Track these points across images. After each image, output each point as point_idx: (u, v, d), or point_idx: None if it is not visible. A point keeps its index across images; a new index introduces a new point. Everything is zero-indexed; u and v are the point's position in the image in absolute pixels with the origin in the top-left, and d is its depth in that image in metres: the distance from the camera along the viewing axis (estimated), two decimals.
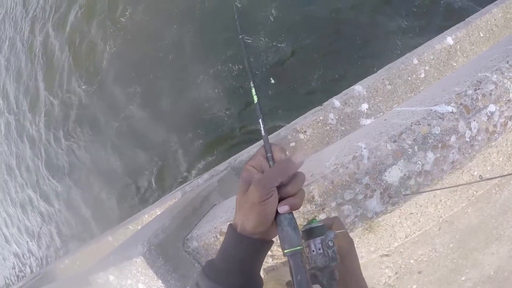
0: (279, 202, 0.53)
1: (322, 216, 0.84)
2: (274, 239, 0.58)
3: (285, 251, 0.53)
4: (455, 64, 1.39)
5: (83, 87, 4.71)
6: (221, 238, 0.89)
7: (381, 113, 1.39)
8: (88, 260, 2.51)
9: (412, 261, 1.76)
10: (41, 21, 5.88)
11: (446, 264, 1.56)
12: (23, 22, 6.52)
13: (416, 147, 0.82)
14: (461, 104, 0.81)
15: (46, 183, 5.81)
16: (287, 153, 0.61)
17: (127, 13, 4.13)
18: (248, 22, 3.04)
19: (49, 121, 5.48)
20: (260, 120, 0.60)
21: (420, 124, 0.82)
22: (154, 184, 3.80)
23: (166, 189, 3.57)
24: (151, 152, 3.81)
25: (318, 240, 0.63)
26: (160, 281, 0.85)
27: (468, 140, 0.84)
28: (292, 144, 1.47)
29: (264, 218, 0.52)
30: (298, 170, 0.55)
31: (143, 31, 3.96)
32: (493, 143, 0.91)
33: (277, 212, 0.53)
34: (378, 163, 0.84)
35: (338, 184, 0.83)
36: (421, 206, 1.31)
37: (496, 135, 0.88)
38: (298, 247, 0.52)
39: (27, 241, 6.87)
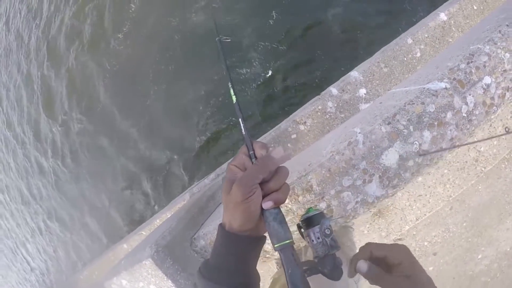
0: (263, 198, 0.53)
1: (322, 205, 0.85)
2: (266, 234, 0.58)
3: (275, 246, 0.53)
4: (450, 40, 1.37)
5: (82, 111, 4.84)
6: None
7: (380, 97, 1.38)
8: (105, 269, 2.59)
9: (426, 243, 1.74)
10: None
11: (461, 244, 1.54)
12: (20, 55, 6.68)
13: (411, 127, 0.82)
14: (454, 79, 0.80)
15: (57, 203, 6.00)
16: (269, 149, 0.61)
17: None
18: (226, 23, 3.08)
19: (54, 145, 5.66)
20: (240, 119, 0.61)
21: (413, 103, 0.81)
22: (161, 193, 3.90)
23: (174, 194, 3.66)
24: (157, 162, 3.88)
25: (316, 229, 0.63)
26: (170, 281, 0.87)
27: (465, 115, 0.83)
28: (294, 136, 1.48)
29: (249, 215, 0.53)
30: (282, 165, 0.55)
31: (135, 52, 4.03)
32: (492, 116, 0.89)
33: (263, 208, 0.54)
34: (373, 147, 0.84)
35: (336, 172, 0.83)
36: (429, 187, 1.30)
37: (494, 107, 0.87)
38: (287, 241, 0.52)
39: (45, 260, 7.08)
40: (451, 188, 1.25)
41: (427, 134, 0.85)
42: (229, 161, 0.59)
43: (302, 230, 0.67)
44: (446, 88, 0.81)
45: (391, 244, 0.57)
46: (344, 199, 0.85)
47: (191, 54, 3.48)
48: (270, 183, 0.54)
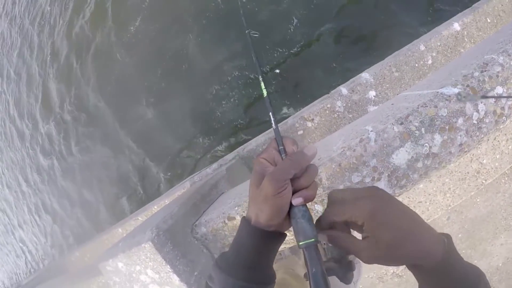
0: (292, 194, 0.54)
1: None
2: (286, 232, 0.58)
3: (300, 243, 0.53)
4: (462, 50, 1.39)
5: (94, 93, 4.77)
6: (229, 223, 0.91)
7: (390, 99, 1.40)
8: (98, 252, 2.55)
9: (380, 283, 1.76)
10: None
11: None
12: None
13: (423, 129, 0.82)
14: (467, 86, 0.80)
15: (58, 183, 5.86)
16: (298, 145, 0.60)
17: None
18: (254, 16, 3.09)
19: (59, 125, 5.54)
20: (270, 113, 0.61)
21: (427, 106, 0.81)
22: (162, 178, 3.86)
23: (174, 182, 3.63)
24: (160, 148, 3.87)
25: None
26: (168, 266, 0.86)
27: (476, 122, 0.84)
28: (300, 132, 1.48)
29: (278, 210, 0.53)
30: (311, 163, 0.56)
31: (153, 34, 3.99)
32: (501, 126, 0.90)
33: (291, 204, 0.54)
34: (385, 145, 0.84)
35: (346, 167, 0.84)
36: (429, 194, 1.32)
37: (504, 117, 0.88)
38: (312, 239, 0.52)
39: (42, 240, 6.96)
40: (450, 197, 1.27)
41: (437, 138, 0.85)
42: (259, 154, 0.58)
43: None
44: (459, 94, 0.82)
45: (355, 197, 0.52)
46: None
47: (214, 39, 3.47)
48: (301, 179, 0.54)
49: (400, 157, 0.86)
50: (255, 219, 0.55)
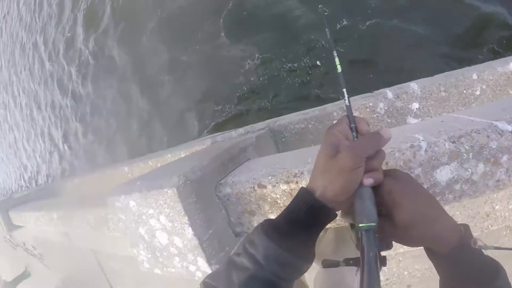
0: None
1: None
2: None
3: (361, 225, 0.51)
4: (510, 92, 1.42)
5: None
6: (258, 191, 0.88)
7: (429, 117, 1.41)
8: (98, 185, 2.46)
9: (406, 273, 1.79)
10: None
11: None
12: None
13: (471, 154, 0.81)
14: None
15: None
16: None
17: None
18: None
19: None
20: (344, 90, 0.61)
21: (480, 133, 0.79)
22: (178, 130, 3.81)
23: (192, 136, 3.61)
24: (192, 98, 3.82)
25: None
26: (186, 217, 0.82)
27: None
28: (335, 121, 1.45)
29: (349, 186, 0.52)
30: None
31: None
32: None
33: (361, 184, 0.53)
34: (433, 158, 0.83)
35: (392, 167, 0.83)
36: None
37: None
38: (374, 223, 0.51)
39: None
40: None
41: (481, 167, 0.84)
42: (331, 127, 0.58)
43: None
44: (511, 132, 0.82)
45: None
46: None
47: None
48: (373, 161, 0.54)
49: (443, 174, 0.85)
50: (322, 191, 0.53)
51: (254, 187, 0.88)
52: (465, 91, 1.39)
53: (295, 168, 0.87)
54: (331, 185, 0.52)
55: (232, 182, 0.92)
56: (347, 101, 0.62)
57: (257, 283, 0.48)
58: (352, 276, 1.06)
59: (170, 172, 0.91)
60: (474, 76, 1.38)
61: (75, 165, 5.92)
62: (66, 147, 6.23)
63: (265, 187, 0.87)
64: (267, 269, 0.48)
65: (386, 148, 0.86)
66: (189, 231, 0.84)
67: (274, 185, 0.86)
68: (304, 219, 0.52)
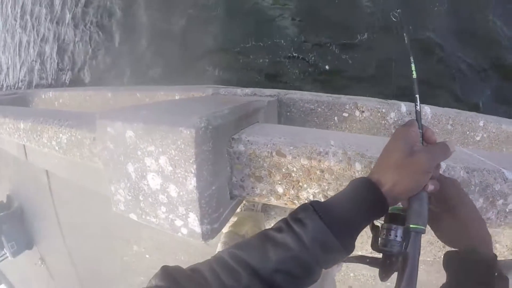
0: None
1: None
2: None
3: (414, 226, 0.52)
4: (504, 150, 1.48)
5: None
6: (275, 158, 0.79)
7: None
8: (74, 104, 2.21)
9: (352, 274, 1.86)
10: None
11: None
12: None
13: (478, 188, 0.83)
14: None
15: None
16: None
17: None
18: None
19: None
20: (416, 96, 0.62)
21: (490, 174, 0.83)
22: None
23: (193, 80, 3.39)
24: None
25: (401, 227, 0.61)
26: (195, 166, 0.71)
27: (507, 211, 0.89)
28: (345, 114, 1.43)
29: (417, 188, 0.52)
30: None
31: None
32: None
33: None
34: None
35: None
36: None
37: None
38: (424, 227, 0.53)
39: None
40: (434, 249, 1.33)
41: (480, 201, 0.90)
42: (403, 124, 0.58)
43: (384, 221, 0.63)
44: None
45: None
46: None
47: None
48: (436, 170, 0.56)
49: None
50: (390, 188, 0.52)
51: (272, 153, 0.79)
52: (468, 132, 1.45)
53: (319, 146, 0.80)
54: (401, 182, 0.51)
55: (248, 140, 0.82)
56: (418, 107, 0.63)
57: (296, 265, 0.46)
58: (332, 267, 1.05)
59: (186, 110, 0.78)
60: (481, 123, 1.44)
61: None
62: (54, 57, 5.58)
63: (284, 156, 0.78)
64: (311, 252, 0.46)
65: None
66: (191, 182, 0.73)
67: (295, 156, 0.78)
68: (365, 211, 0.51)
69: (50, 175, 2.60)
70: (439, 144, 0.57)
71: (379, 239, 0.63)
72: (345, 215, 0.49)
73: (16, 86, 6.74)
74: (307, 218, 0.47)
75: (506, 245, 1.31)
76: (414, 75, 0.63)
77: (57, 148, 1.36)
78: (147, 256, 2.11)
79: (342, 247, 0.47)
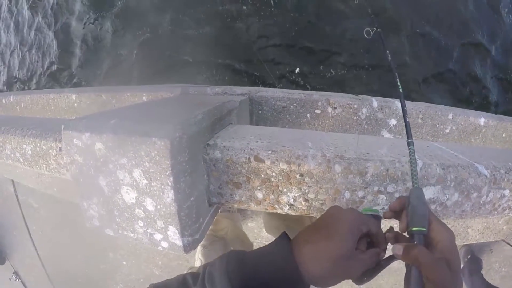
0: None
1: (360, 193, 0.79)
2: None
3: (417, 228, 0.50)
4: (472, 140, 1.54)
5: None
6: (254, 164, 0.74)
7: (401, 136, 1.44)
8: (37, 108, 1.99)
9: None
10: None
11: None
12: None
13: (453, 183, 0.85)
14: (493, 175, 0.86)
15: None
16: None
17: None
18: None
19: None
20: (405, 108, 0.66)
21: (464, 169, 0.84)
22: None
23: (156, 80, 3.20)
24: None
25: None
26: (171, 178, 0.65)
27: (481, 203, 0.92)
28: (317, 111, 1.41)
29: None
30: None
31: None
32: (489, 216, 1.00)
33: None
34: (425, 177, 0.83)
35: (390, 175, 0.79)
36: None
37: (495, 212, 0.98)
38: (425, 228, 0.50)
39: None
40: None
41: (456, 196, 0.91)
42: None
43: None
44: (486, 176, 0.86)
45: (438, 221, 0.52)
46: (377, 200, 0.81)
47: None
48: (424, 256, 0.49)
49: (427, 193, 0.87)
50: (316, 277, 0.47)
51: (250, 158, 0.75)
52: (437, 125, 1.48)
53: (297, 149, 0.77)
54: (328, 278, 0.48)
55: (224, 146, 0.77)
56: (407, 119, 0.67)
57: None
58: None
59: (158, 118, 0.72)
60: (450, 116, 1.48)
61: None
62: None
63: (263, 161, 0.74)
64: None
65: (387, 156, 0.82)
66: (169, 195, 0.67)
67: (273, 161, 0.74)
68: (275, 284, 0.46)
69: (16, 184, 2.38)
70: (372, 252, 0.53)
71: None
72: (257, 282, 0.45)
73: None
74: (218, 277, 0.45)
75: (478, 230, 1.37)
76: (401, 90, 0.64)
77: (21, 160, 1.22)
78: (124, 263, 1.99)
79: None
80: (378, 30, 0.71)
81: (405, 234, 0.54)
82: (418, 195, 0.53)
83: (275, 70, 3.06)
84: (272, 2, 3.17)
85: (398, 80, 0.62)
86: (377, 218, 0.60)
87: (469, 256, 1.68)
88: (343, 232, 0.48)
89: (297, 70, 3.02)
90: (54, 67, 4.48)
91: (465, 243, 1.61)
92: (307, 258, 0.46)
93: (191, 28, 3.38)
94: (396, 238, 0.56)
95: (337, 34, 3.00)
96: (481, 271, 1.64)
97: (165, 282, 0.50)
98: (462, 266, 1.69)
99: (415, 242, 0.49)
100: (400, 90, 0.62)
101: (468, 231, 1.52)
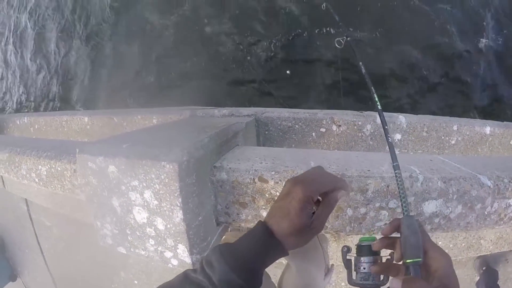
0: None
1: (362, 210, 0.81)
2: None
3: (412, 260, 0.50)
4: (479, 150, 1.53)
5: None
6: (258, 184, 0.79)
7: (406, 150, 1.46)
8: (50, 130, 2.09)
9: (343, 283, 1.87)
10: None
11: None
12: None
13: (455, 196, 0.86)
14: (497, 185, 0.87)
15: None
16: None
17: None
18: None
19: None
20: (386, 127, 0.62)
21: (466, 181, 0.85)
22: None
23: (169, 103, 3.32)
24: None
25: (369, 258, 0.62)
26: (180, 199, 0.70)
27: (486, 213, 0.92)
28: (323, 130, 1.45)
29: (298, 220, 0.55)
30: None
31: None
32: (496, 227, 1.00)
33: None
34: (426, 191, 0.85)
35: (391, 191, 0.81)
36: None
37: (501, 222, 0.98)
38: (420, 258, 0.51)
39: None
40: None
41: (459, 208, 0.91)
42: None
43: (354, 254, 0.65)
44: (489, 186, 0.87)
45: (433, 246, 0.53)
46: (379, 216, 0.84)
47: None
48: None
49: (429, 207, 0.88)
50: (278, 228, 0.55)
51: (254, 179, 0.79)
52: (443, 137, 1.49)
53: (299, 168, 0.81)
54: (283, 221, 0.55)
55: (230, 168, 0.81)
56: (390, 139, 0.64)
57: None
58: (321, 280, 1.06)
59: (167, 142, 0.77)
60: (455, 127, 1.49)
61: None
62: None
63: (266, 181, 0.78)
64: None
65: (388, 172, 0.85)
66: (178, 215, 0.71)
67: (277, 181, 0.78)
68: (263, 252, 0.54)
69: (30, 203, 2.46)
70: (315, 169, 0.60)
71: (354, 273, 0.63)
72: (247, 257, 0.53)
73: None
74: (215, 260, 0.52)
75: (491, 240, 1.35)
76: (379, 107, 0.62)
77: (37, 180, 1.29)
78: (135, 282, 2.02)
79: (246, 284, 0.51)
80: (348, 39, 0.73)
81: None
82: (409, 224, 0.53)
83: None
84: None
85: (375, 95, 0.60)
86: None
87: (484, 268, 1.65)
88: (296, 210, 0.55)
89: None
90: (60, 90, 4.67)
91: (479, 255, 1.59)
92: (276, 230, 0.55)
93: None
94: (388, 268, 0.58)
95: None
96: (498, 282, 1.60)
97: (167, 282, 0.55)
98: (477, 278, 1.65)
99: (411, 274, 0.50)
100: (379, 107, 0.61)
101: (481, 242, 1.50)
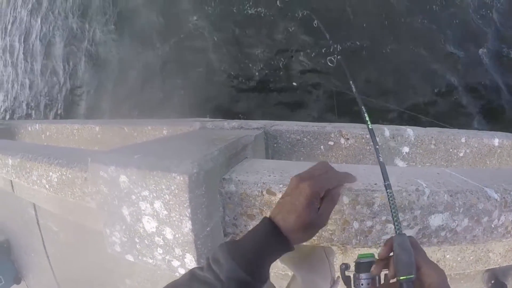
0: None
1: (368, 223, 0.82)
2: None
3: (405, 277, 0.51)
4: (488, 162, 1.52)
5: None
6: (266, 197, 0.80)
7: (414, 163, 1.46)
8: (61, 138, 2.14)
9: None
10: None
11: None
12: None
13: (462, 209, 0.86)
14: (504, 198, 0.87)
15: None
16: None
17: None
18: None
19: None
20: (377, 147, 0.65)
21: (472, 194, 0.85)
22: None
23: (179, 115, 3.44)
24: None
25: (367, 275, 0.62)
26: (189, 210, 0.71)
27: (493, 226, 0.91)
28: (331, 143, 1.46)
29: (305, 214, 0.56)
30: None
31: None
32: (503, 240, 1.00)
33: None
34: (432, 205, 0.85)
35: (398, 205, 0.82)
36: None
37: (508, 235, 0.97)
38: (413, 275, 0.52)
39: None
40: None
41: (466, 221, 0.91)
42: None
43: (353, 271, 0.65)
44: (496, 199, 0.87)
45: (426, 262, 0.54)
46: (385, 230, 0.84)
47: None
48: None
49: (436, 220, 0.88)
50: (285, 223, 0.56)
51: (262, 192, 0.80)
52: (451, 150, 1.48)
53: None
54: (290, 216, 0.57)
55: (238, 180, 0.83)
56: (381, 158, 0.67)
57: None
58: None
59: (177, 154, 0.79)
60: (463, 140, 1.48)
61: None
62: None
63: (274, 194, 0.80)
64: (227, 287, 0.50)
65: (394, 186, 0.86)
66: (187, 225, 0.73)
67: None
68: (270, 247, 0.55)
69: (38, 208, 2.50)
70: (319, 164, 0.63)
71: None
72: (253, 253, 0.53)
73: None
74: (222, 258, 0.52)
75: (500, 253, 1.34)
76: (370, 126, 0.63)
77: (47, 186, 1.32)
78: None
79: (253, 280, 0.51)
80: (338, 57, 0.74)
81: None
82: (400, 242, 0.54)
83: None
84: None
85: (366, 115, 0.61)
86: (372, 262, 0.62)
87: (492, 281, 1.63)
88: (303, 206, 0.56)
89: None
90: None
91: (487, 268, 1.57)
92: (283, 226, 0.56)
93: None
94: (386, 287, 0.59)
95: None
96: None
97: (174, 281, 0.56)
98: None
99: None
100: (370, 127, 0.61)
101: (489, 255, 1.49)
